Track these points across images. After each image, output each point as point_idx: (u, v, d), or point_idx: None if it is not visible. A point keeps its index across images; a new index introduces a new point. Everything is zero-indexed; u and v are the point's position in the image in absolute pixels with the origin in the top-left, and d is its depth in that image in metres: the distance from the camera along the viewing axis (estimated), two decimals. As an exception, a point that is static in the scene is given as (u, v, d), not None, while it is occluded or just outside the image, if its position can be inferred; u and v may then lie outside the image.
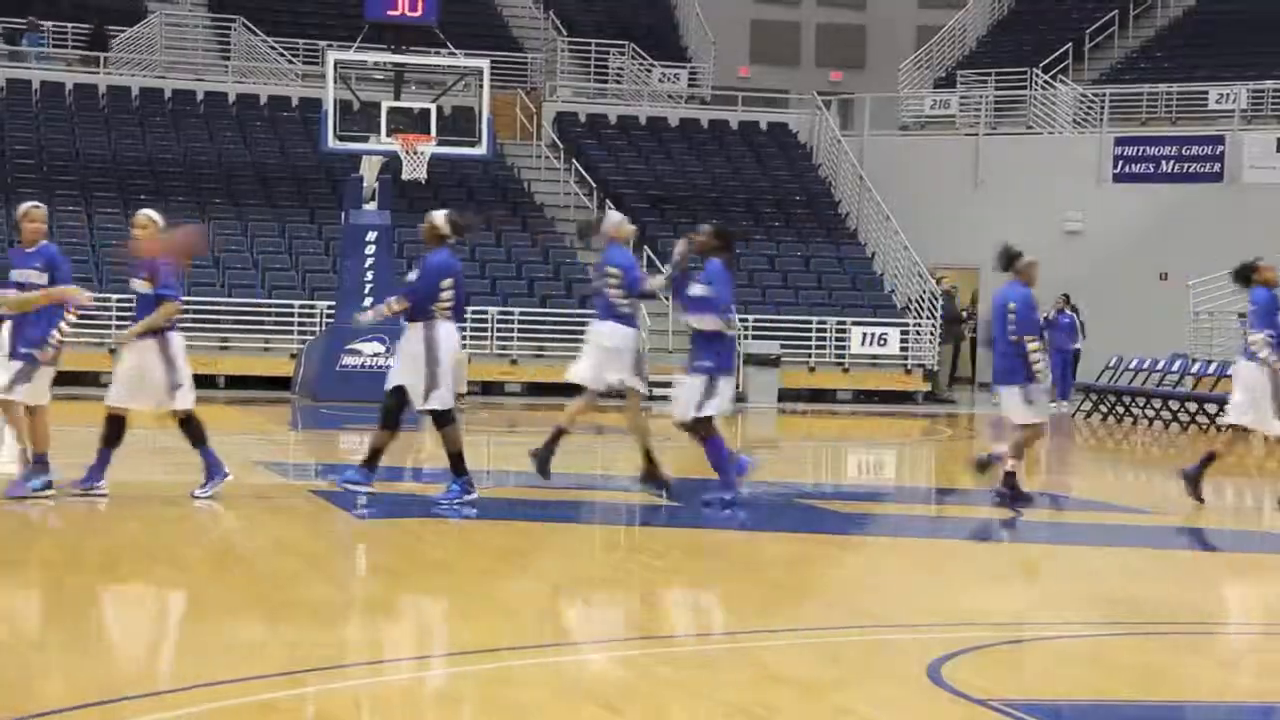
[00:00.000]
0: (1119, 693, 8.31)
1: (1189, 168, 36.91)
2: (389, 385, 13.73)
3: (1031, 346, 14.91)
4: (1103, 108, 38.50)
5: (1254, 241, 32.85)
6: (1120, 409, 28.67)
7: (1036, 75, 39.54)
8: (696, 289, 13.92)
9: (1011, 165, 37.75)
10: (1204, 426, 26.30)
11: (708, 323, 13.87)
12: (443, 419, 13.53)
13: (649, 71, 40.59)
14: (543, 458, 14.60)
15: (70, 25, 39.06)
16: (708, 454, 14.05)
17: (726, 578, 11.62)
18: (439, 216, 13.82)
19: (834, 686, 8.03)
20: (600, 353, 14.54)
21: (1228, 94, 37.40)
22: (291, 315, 31.20)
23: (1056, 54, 40.89)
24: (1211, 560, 14.16)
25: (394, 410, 13.76)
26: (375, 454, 13.90)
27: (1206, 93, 37.78)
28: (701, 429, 13.86)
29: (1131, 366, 29.32)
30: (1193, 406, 27.18)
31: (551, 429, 14.90)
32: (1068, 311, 31.84)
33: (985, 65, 41.31)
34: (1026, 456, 16.09)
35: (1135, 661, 9.13)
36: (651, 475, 14.77)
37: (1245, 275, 15.89)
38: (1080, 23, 42.44)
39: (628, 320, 14.57)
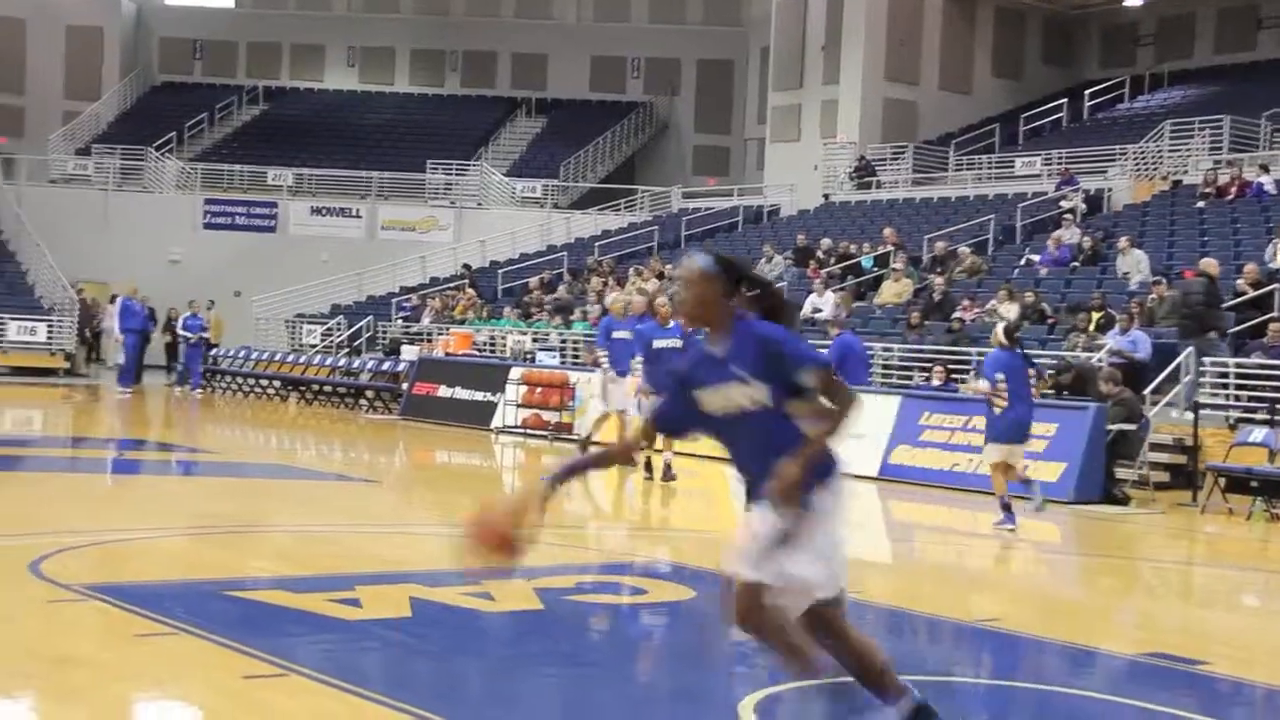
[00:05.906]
0: (171, 575, 8.25)
1: (255, 222, 36.80)
2: None
3: None
4: (197, 177, 37.70)
5: (295, 273, 33.40)
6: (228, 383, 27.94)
7: (150, 151, 38.15)
8: None
9: (133, 214, 36.23)
10: (265, 397, 26.39)
11: None
12: None
13: None
14: None
15: None
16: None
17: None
18: None
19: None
20: None
21: (280, 174, 37.60)
22: None
23: (165, 138, 39.57)
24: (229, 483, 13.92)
25: None
26: None
27: (266, 172, 37.77)
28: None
29: (223, 354, 28.78)
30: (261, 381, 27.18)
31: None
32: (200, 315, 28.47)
33: (114, 142, 39.34)
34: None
35: (185, 553, 9.10)
36: None
37: None
38: (181, 118, 41.22)
39: None
